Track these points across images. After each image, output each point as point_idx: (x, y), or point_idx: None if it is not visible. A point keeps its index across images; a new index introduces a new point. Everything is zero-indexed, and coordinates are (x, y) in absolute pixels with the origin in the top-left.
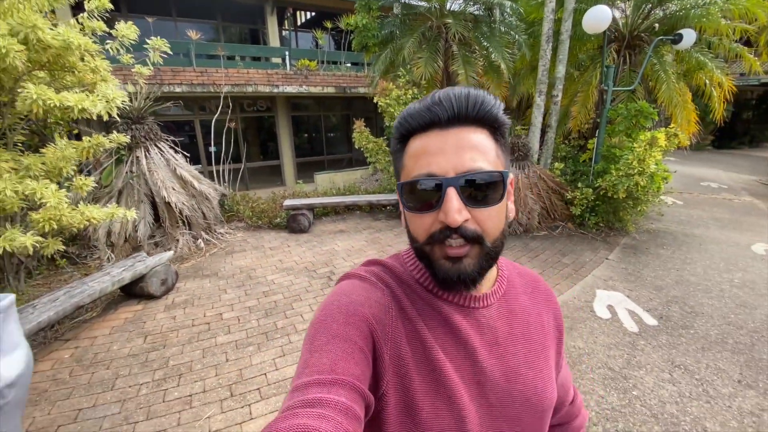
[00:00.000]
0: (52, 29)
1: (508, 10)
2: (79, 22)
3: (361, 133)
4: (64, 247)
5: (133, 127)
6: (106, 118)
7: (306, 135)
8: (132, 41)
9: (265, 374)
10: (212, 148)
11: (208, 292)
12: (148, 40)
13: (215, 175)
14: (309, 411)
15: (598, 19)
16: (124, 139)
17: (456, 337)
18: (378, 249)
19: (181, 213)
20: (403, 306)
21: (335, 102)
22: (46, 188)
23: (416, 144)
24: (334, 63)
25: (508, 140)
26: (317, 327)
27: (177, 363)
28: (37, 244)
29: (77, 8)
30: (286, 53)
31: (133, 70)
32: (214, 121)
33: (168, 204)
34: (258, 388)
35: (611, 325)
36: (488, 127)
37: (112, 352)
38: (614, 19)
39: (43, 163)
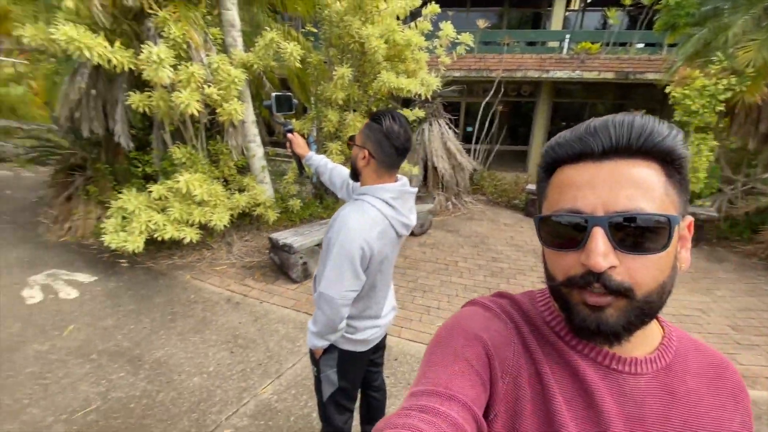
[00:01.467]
0: (401, 32)
1: None
2: (416, 25)
3: None
4: None
5: (426, 105)
6: (424, 97)
7: (564, 123)
8: (451, 38)
9: None
10: (469, 128)
11: (449, 242)
12: (459, 36)
13: (470, 152)
14: (422, 416)
15: None
16: (421, 113)
17: (587, 396)
18: None
19: (442, 177)
20: (528, 344)
21: (609, 89)
22: None
23: (563, 175)
24: (623, 45)
25: (687, 176)
26: (437, 344)
27: (423, 283)
28: None
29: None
30: (566, 37)
31: (438, 60)
32: (483, 104)
33: (435, 168)
34: None
35: None
36: (658, 160)
37: None
38: None
39: None
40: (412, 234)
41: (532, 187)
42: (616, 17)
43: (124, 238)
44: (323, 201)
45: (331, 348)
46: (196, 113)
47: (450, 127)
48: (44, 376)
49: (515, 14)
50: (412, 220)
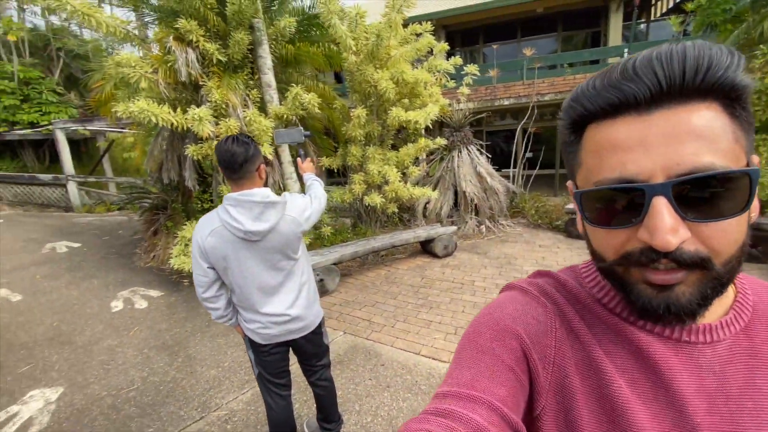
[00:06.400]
0: (410, 72)
1: None
2: (427, 64)
3: None
4: (397, 210)
5: (454, 134)
6: (423, 127)
7: None
8: (451, 72)
9: None
10: (529, 154)
11: (473, 264)
12: (465, 67)
13: (517, 178)
14: (440, 420)
15: None
16: (441, 141)
17: (656, 376)
18: None
19: (472, 201)
20: (574, 327)
21: None
22: (393, 171)
23: (600, 135)
24: None
25: (751, 110)
26: (466, 339)
27: (432, 299)
28: (383, 205)
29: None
30: (625, 50)
31: (458, 91)
32: (519, 128)
33: (464, 193)
34: None
35: None
36: (720, 99)
37: (403, 278)
38: None
39: (396, 156)
40: (436, 256)
41: (571, 206)
42: (677, 24)
43: (183, 260)
44: (356, 227)
45: (245, 332)
46: None
47: (482, 153)
48: (108, 363)
49: (580, 37)
50: (250, 227)
